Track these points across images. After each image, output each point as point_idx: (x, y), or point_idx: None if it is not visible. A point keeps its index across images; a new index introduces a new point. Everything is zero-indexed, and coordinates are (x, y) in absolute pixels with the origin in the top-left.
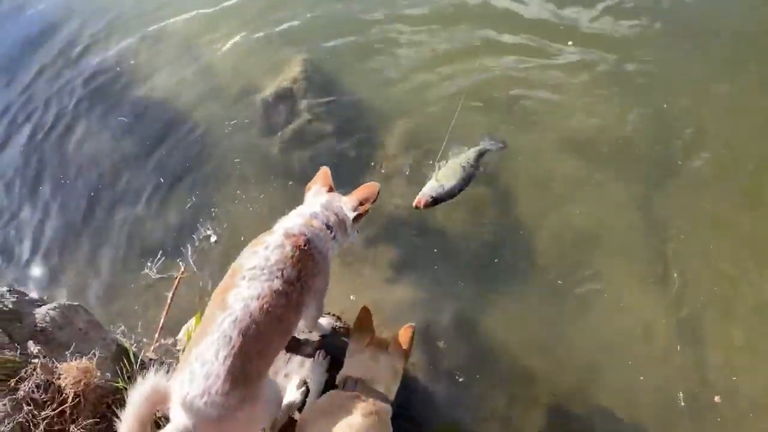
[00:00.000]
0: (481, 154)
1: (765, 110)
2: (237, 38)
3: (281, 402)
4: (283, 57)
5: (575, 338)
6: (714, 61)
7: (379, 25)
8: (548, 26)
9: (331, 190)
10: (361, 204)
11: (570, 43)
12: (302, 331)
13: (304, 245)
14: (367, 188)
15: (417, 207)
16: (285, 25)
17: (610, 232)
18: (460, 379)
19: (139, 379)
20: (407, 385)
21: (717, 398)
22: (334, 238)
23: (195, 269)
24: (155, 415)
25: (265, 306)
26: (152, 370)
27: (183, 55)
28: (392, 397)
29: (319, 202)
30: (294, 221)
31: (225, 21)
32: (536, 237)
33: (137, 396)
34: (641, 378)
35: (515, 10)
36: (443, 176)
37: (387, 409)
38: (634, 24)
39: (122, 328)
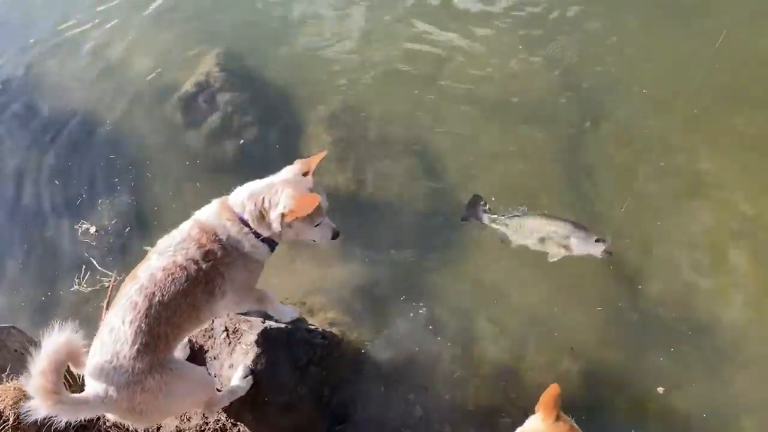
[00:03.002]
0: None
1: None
2: (148, 39)
3: (210, 386)
4: (196, 52)
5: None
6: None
7: (289, 8)
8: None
9: (306, 173)
10: (291, 212)
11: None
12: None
13: (210, 233)
14: (305, 200)
15: None
16: (195, 20)
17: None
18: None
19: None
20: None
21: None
22: (252, 232)
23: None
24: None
25: (169, 276)
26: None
27: (95, 61)
28: None
29: (256, 186)
30: (210, 210)
31: (134, 24)
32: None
33: (50, 345)
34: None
35: None
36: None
37: None
38: None
39: None
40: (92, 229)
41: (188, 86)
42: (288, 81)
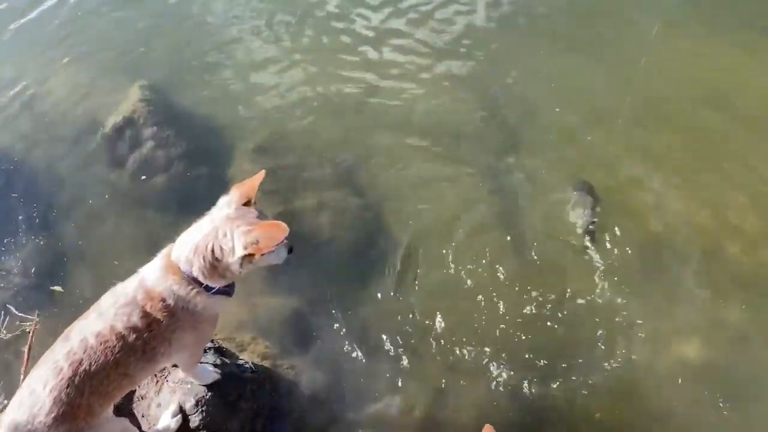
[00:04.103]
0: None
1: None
2: (71, 74)
3: None
4: (120, 87)
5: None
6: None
7: (214, 41)
8: (388, 32)
9: (248, 203)
10: (257, 244)
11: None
12: None
13: (157, 300)
14: (271, 228)
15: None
16: (120, 55)
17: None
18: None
19: None
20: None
21: None
22: (204, 288)
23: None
24: None
25: (102, 345)
26: None
27: (14, 101)
28: None
29: (198, 236)
30: (155, 272)
31: (56, 58)
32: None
33: None
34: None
35: (354, 19)
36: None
37: None
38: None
39: None
40: (12, 270)
41: (113, 121)
42: (215, 114)
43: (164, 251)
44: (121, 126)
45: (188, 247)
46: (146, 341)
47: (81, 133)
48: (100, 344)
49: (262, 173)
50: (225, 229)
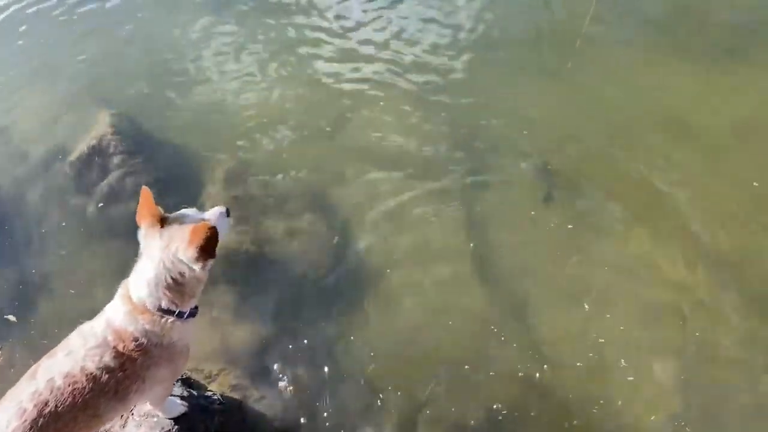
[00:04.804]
0: None
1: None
2: (38, 102)
3: None
4: (89, 115)
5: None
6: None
7: (184, 69)
8: (359, 58)
9: (162, 221)
10: (203, 251)
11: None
12: None
13: (129, 340)
14: (200, 231)
15: None
16: (88, 82)
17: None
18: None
19: None
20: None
21: None
22: (176, 315)
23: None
24: None
25: (70, 386)
26: None
27: None
28: None
29: (149, 274)
30: (118, 310)
31: (22, 86)
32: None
33: None
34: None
35: (325, 45)
36: None
37: None
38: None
39: None
40: (13, 318)
41: (80, 149)
42: (184, 142)
43: (122, 292)
44: (88, 154)
45: (148, 286)
46: (119, 381)
47: (48, 161)
48: (69, 385)
49: (144, 190)
50: (167, 252)
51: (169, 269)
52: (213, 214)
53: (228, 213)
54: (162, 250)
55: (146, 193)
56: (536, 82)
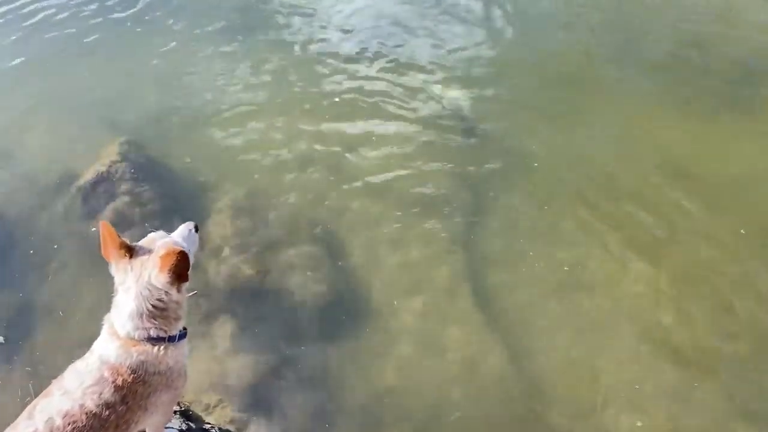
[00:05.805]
0: None
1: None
2: (47, 127)
3: None
4: (98, 142)
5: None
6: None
7: (193, 98)
8: (366, 94)
9: (130, 251)
10: (176, 275)
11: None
12: None
13: (127, 374)
14: (170, 256)
15: None
16: (98, 109)
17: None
18: None
19: None
20: None
21: None
22: (168, 340)
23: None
24: None
25: (70, 425)
26: None
27: None
28: None
29: (128, 300)
30: (109, 347)
31: (33, 111)
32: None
33: None
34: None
35: (334, 81)
36: None
37: None
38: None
39: None
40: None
41: (88, 176)
42: (191, 171)
43: (108, 329)
44: (96, 180)
45: (131, 319)
46: (120, 415)
47: (56, 186)
48: (68, 424)
49: (104, 225)
50: (141, 282)
51: (146, 298)
52: (181, 234)
53: (197, 229)
54: (136, 282)
55: (107, 228)
56: (544, 125)
